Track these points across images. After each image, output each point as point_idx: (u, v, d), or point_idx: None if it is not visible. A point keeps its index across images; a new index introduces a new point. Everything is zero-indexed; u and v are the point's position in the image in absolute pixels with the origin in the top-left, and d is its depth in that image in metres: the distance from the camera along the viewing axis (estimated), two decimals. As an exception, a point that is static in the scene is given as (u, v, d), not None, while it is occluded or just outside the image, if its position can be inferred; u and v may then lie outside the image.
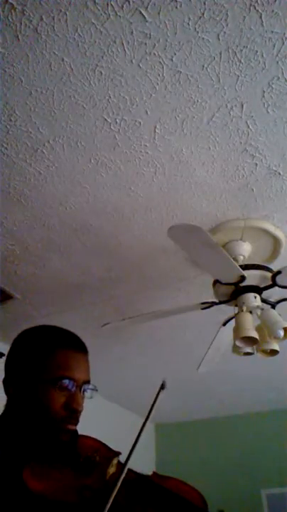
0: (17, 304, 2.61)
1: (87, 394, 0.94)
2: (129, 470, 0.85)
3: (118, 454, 0.89)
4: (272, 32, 1.25)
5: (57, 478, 0.81)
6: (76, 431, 0.91)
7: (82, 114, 1.50)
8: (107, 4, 1.19)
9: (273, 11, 1.20)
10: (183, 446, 4.77)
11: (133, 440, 0.80)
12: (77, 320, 2.85)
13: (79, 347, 0.98)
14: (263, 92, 1.43)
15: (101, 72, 1.36)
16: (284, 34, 1.26)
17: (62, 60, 1.33)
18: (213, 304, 2.10)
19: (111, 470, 0.83)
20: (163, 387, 0.88)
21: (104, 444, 0.93)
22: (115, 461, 0.85)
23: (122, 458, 0.84)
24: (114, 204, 1.91)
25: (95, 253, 2.23)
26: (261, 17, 1.22)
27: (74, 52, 1.30)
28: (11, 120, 1.51)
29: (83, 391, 0.92)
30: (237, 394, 4.23)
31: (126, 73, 1.37)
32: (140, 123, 1.53)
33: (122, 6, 1.19)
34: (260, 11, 1.20)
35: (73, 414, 0.88)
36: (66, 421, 0.87)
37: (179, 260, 2.28)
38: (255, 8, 1.19)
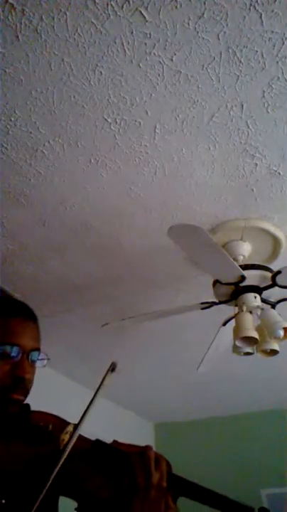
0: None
1: (38, 363, 0.90)
2: (84, 439, 0.84)
3: (72, 423, 0.86)
4: (272, 32, 1.25)
5: (5, 451, 0.79)
6: (27, 405, 0.88)
7: (82, 114, 1.50)
8: (107, 4, 1.19)
9: (273, 10, 1.20)
10: (183, 446, 4.77)
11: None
12: (77, 320, 2.86)
13: (24, 314, 0.94)
14: (263, 92, 1.43)
15: (101, 72, 1.36)
16: (284, 34, 1.26)
17: (62, 60, 1.33)
18: (213, 303, 2.10)
19: (65, 437, 0.80)
20: (112, 369, 0.86)
21: (59, 417, 0.90)
22: (69, 429, 0.83)
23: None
24: (114, 204, 1.91)
25: (95, 253, 2.23)
26: (261, 17, 1.22)
27: (74, 52, 1.30)
28: (11, 120, 1.51)
29: (32, 360, 0.89)
30: (237, 394, 4.23)
31: (126, 73, 1.37)
32: (140, 123, 1.53)
33: (122, 6, 1.19)
34: (260, 11, 1.20)
35: (19, 382, 0.85)
36: (12, 390, 0.84)
37: (179, 260, 2.28)
38: (255, 8, 1.19)
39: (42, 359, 0.91)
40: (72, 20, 1.22)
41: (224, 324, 2.18)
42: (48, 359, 0.92)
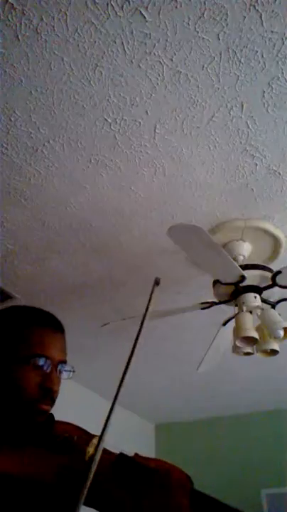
0: (17, 304, 2.61)
1: (64, 375, 0.91)
2: (109, 452, 0.85)
3: (96, 436, 0.87)
4: (272, 32, 1.25)
5: (33, 459, 0.80)
6: (52, 414, 0.90)
7: (82, 114, 1.50)
8: (107, 4, 1.19)
9: (273, 11, 1.20)
10: (183, 446, 4.76)
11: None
12: (77, 320, 2.85)
13: (54, 325, 0.95)
14: (263, 92, 1.43)
15: (101, 72, 1.36)
16: (284, 34, 1.26)
17: (62, 60, 1.33)
18: (213, 303, 2.10)
19: (91, 450, 0.82)
20: (157, 283, 0.87)
21: (82, 428, 0.91)
22: (95, 441, 0.84)
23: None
24: (114, 204, 1.91)
25: (95, 253, 2.23)
26: (261, 17, 1.22)
27: (74, 52, 1.30)
28: (10, 120, 1.51)
29: (59, 371, 0.89)
30: (237, 394, 4.23)
31: (126, 73, 1.37)
32: (140, 123, 1.53)
33: (122, 6, 1.19)
34: (260, 11, 1.20)
35: (48, 393, 0.86)
36: (40, 401, 0.85)
37: (179, 260, 2.28)
38: (255, 8, 1.19)
39: (68, 371, 0.92)
40: (72, 20, 1.22)
41: (224, 324, 2.18)
42: (74, 371, 0.92)
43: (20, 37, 1.26)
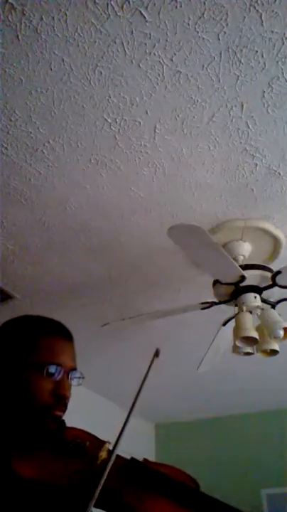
0: (17, 304, 2.61)
1: (74, 382, 0.93)
2: (120, 457, 0.87)
3: (107, 441, 0.90)
4: (272, 32, 1.25)
5: (47, 463, 0.81)
6: (63, 421, 0.91)
7: (82, 114, 1.50)
8: (107, 4, 1.19)
9: (273, 11, 1.20)
10: (183, 446, 4.76)
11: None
12: (77, 320, 2.85)
13: (64, 334, 0.97)
14: (263, 92, 1.43)
15: (101, 72, 1.36)
16: (284, 34, 1.26)
17: (62, 60, 1.33)
18: (213, 303, 2.10)
19: (103, 454, 0.84)
20: (156, 354, 0.90)
21: (92, 434, 0.93)
22: (106, 446, 0.86)
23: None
24: (114, 204, 1.91)
25: (95, 253, 2.23)
26: (261, 17, 1.22)
27: (74, 52, 1.30)
28: (11, 120, 1.51)
29: (70, 378, 0.92)
30: (237, 394, 4.23)
31: (126, 73, 1.37)
32: (140, 123, 1.53)
33: (122, 6, 1.19)
34: (260, 11, 1.20)
35: (61, 400, 0.88)
36: (53, 407, 0.87)
37: (179, 260, 2.28)
38: (255, 8, 1.20)
39: (78, 377, 0.94)
40: (72, 20, 1.22)
41: (224, 324, 2.18)
42: (83, 378, 0.95)
43: (20, 37, 1.26)
